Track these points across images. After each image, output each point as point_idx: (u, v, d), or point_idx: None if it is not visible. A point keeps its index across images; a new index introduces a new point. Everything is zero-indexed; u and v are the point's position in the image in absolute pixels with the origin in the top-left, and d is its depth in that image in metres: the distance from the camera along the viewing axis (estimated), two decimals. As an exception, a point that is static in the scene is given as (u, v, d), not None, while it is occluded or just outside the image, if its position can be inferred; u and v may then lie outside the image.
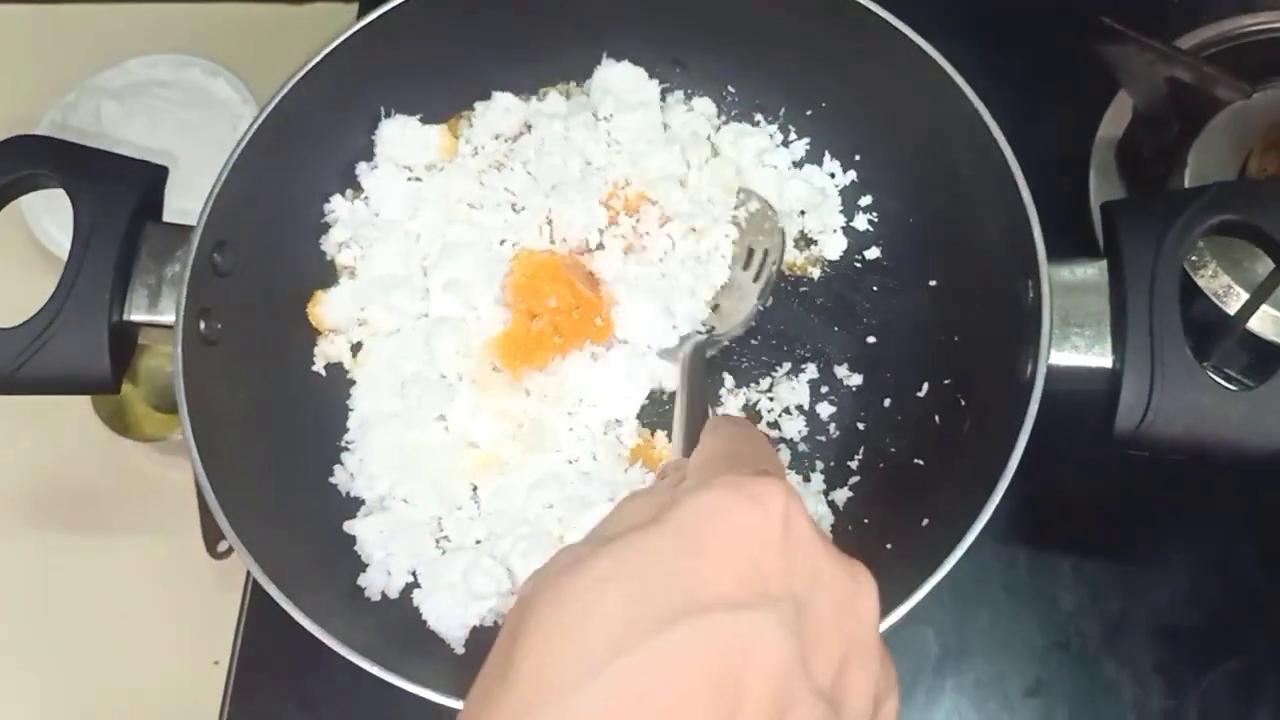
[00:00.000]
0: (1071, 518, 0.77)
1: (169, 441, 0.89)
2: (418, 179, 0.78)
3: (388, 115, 0.78)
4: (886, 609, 0.55)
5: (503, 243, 0.75)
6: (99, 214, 0.63)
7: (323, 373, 0.74)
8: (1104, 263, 0.61)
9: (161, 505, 0.87)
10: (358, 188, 0.78)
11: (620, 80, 0.79)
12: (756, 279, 0.75)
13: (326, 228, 0.76)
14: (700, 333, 0.73)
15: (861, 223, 0.77)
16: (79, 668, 0.83)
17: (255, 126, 0.68)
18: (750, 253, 0.76)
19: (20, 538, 0.88)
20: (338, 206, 0.77)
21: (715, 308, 0.74)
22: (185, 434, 0.60)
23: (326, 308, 0.74)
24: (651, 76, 0.80)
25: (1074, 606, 0.73)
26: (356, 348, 0.75)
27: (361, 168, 0.77)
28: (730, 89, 0.81)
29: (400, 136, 0.77)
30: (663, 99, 0.81)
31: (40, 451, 0.91)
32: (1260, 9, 0.87)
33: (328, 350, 0.74)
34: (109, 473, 0.90)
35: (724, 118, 0.81)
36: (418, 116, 0.78)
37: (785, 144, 0.80)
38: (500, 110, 0.79)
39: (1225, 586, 0.73)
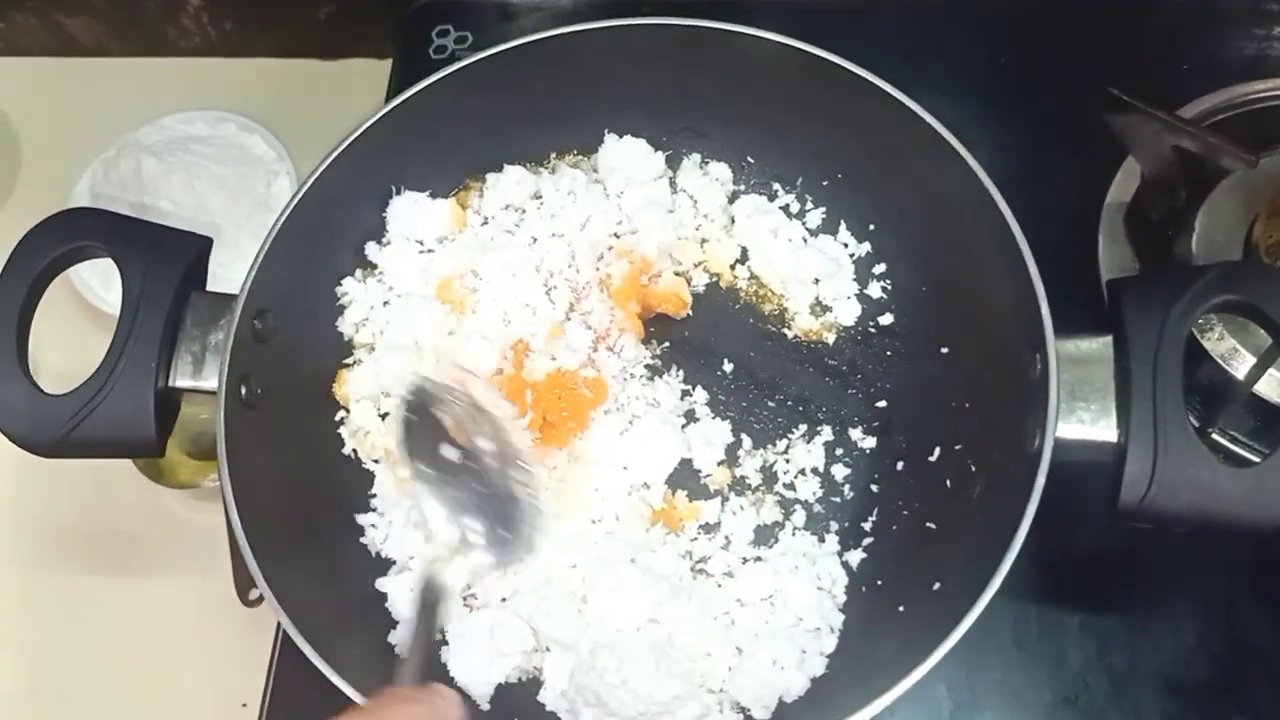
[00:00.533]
0: (1080, 574, 0.78)
1: (202, 488, 0.91)
2: (429, 251, 0.79)
3: (398, 193, 0.79)
4: (899, 673, 0.58)
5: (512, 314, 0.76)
6: (147, 285, 0.66)
7: (350, 455, 0.76)
8: (1109, 338, 0.63)
9: (194, 548, 0.88)
10: (367, 266, 0.79)
11: (623, 156, 0.81)
12: None
13: (342, 309, 0.78)
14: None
15: (875, 290, 0.79)
16: (109, 705, 0.85)
17: (294, 202, 0.70)
18: None
19: (53, 578, 0.90)
20: (350, 287, 0.78)
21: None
22: (225, 496, 0.63)
23: (351, 385, 0.76)
24: (659, 149, 0.82)
25: (1082, 662, 0.74)
26: (383, 417, 0.76)
27: (371, 247, 0.79)
28: (749, 159, 0.83)
29: (411, 212, 0.78)
30: (679, 162, 0.83)
31: (74, 495, 0.92)
32: (1272, 75, 0.88)
33: (355, 429, 0.75)
34: (142, 516, 0.91)
35: (742, 185, 0.83)
36: (427, 192, 0.80)
37: (802, 213, 0.81)
38: (511, 182, 0.81)
39: (1230, 641, 0.74)
